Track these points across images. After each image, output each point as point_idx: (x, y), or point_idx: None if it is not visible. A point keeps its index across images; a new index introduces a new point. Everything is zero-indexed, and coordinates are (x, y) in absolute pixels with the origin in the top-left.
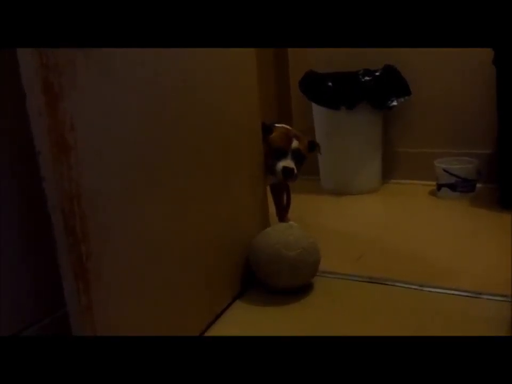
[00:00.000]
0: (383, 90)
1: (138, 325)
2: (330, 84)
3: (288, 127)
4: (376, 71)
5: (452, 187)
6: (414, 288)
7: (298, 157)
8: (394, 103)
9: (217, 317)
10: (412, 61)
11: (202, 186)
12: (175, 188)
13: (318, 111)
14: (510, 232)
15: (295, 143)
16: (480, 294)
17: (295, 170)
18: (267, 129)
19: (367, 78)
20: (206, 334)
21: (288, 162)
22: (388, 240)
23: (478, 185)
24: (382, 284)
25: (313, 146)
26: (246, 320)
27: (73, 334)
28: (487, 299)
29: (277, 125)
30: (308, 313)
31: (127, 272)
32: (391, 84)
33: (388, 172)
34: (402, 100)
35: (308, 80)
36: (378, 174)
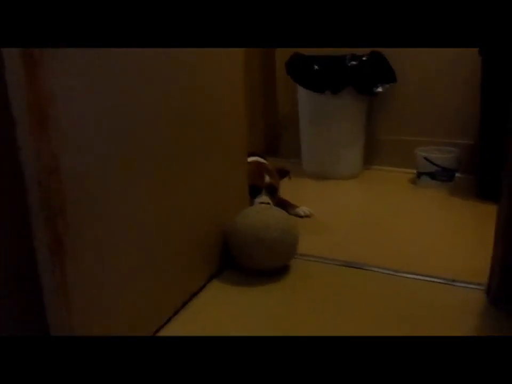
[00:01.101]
0: (369, 76)
1: (113, 300)
2: (316, 66)
3: (260, 160)
4: (363, 56)
5: (432, 176)
6: (390, 274)
7: (271, 191)
8: (380, 89)
9: (193, 295)
10: (398, 48)
11: (182, 166)
12: (154, 167)
13: (302, 94)
14: (488, 222)
15: (267, 179)
16: (454, 281)
17: (271, 204)
18: None
19: (353, 62)
20: (181, 313)
21: (263, 198)
22: (366, 225)
23: (457, 175)
24: (358, 268)
25: (284, 173)
26: (221, 300)
27: (46, 308)
28: (461, 286)
29: (249, 159)
30: (284, 294)
31: (104, 248)
32: (377, 70)
33: (370, 158)
34: (387, 86)
35: (294, 62)
36: (360, 160)
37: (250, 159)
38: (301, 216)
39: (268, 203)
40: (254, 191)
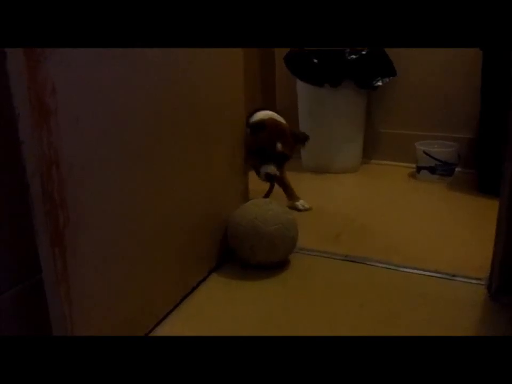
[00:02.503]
0: (368, 70)
1: (113, 293)
2: (315, 60)
3: (275, 118)
4: (362, 49)
5: (432, 170)
6: (390, 268)
7: (281, 160)
8: (379, 83)
9: (193, 289)
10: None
11: (182, 160)
12: (154, 160)
13: (301, 87)
14: (488, 216)
15: (279, 146)
16: (454, 276)
17: (278, 174)
18: (260, 127)
19: (353, 56)
20: (181, 307)
21: (271, 169)
22: (366, 220)
23: (457, 169)
24: (358, 262)
25: (302, 138)
26: (221, 294)
27: (47, 301)
28: (462, 281)
29: (262, 113)
30: (283, 288)
31: (104, 241)
32: (376, 64)
33: (369, 152)
34: (387, 80)
35: (293, 56)
36: (359, 154)
37: (264, 113)
38: (299, 210)
39: (275, 174)
40: (263, 156)
